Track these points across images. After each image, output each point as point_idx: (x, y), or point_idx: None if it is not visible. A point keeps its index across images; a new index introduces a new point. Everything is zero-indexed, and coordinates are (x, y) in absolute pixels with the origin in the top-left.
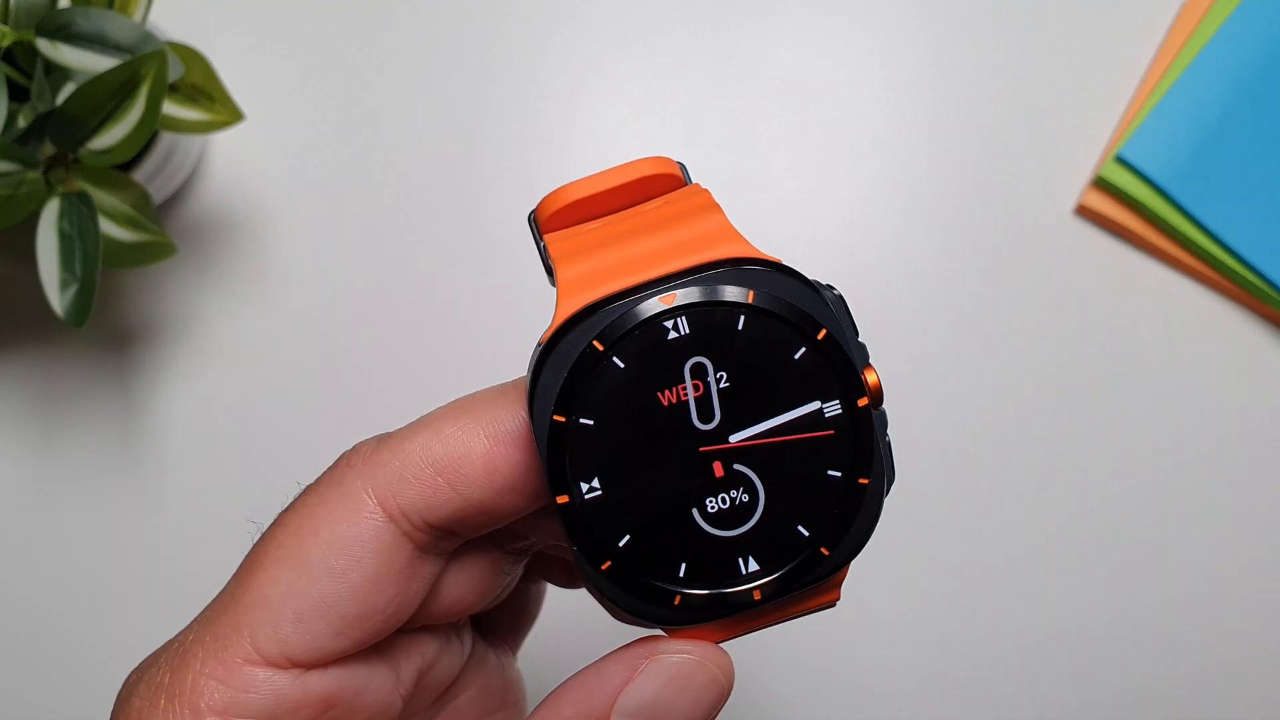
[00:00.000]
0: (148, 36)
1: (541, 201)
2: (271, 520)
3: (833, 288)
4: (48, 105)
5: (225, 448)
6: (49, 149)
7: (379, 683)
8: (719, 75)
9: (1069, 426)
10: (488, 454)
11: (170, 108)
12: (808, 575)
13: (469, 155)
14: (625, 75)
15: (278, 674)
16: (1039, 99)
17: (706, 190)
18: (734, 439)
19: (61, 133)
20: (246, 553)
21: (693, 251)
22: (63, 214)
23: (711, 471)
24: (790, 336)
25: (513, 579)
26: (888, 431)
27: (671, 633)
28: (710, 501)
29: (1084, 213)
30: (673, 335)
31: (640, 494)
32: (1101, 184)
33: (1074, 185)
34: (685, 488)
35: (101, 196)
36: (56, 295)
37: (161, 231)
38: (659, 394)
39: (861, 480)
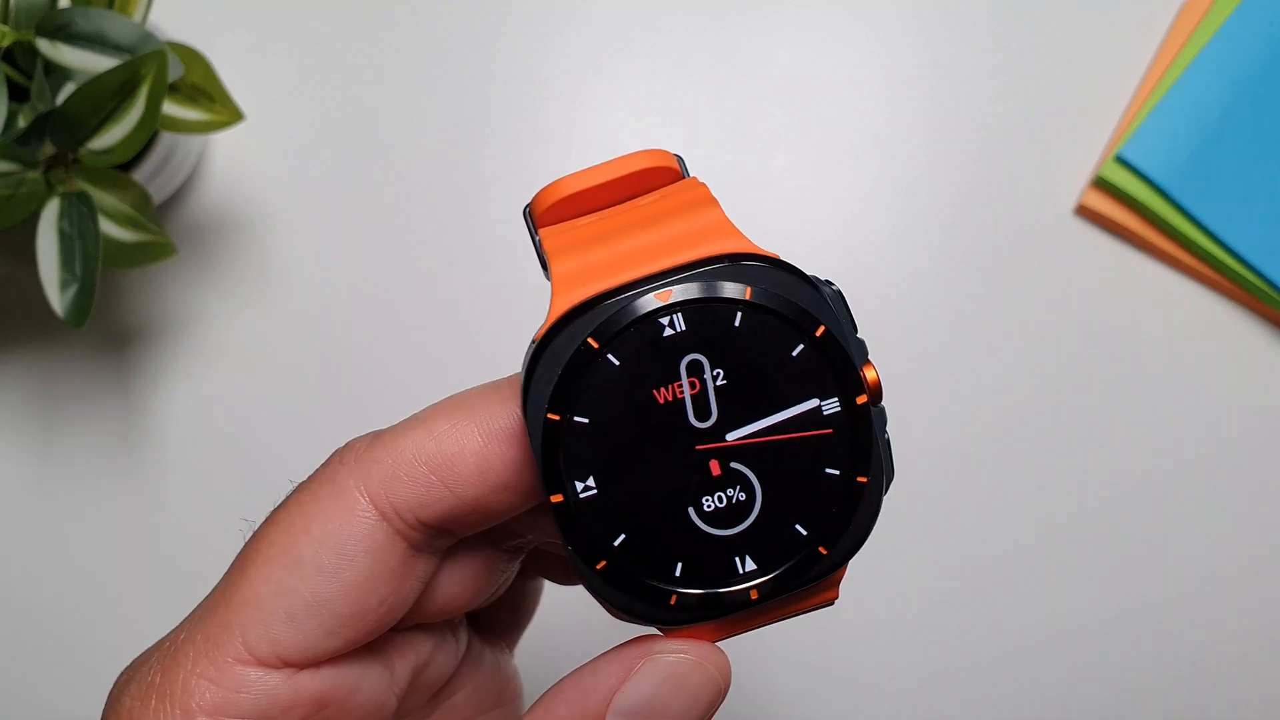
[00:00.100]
0: (148, 36)
1: (537, 195)
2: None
3: (831, 284)
4: (48, 105)
5: (225, 448)
6: (49, 149)
7: (372, 682)
8: (719, 75)
9: (1069, 426)
10: (481, 451)
11: (170, 108)
12: (805, 574)
13: (469, 155)
14: (625, 75)
15: (270, 673)
16: (1039, 99)
17: (704, 184)
18: (731, 437)
19: (61, 133)
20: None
21: (689, 246)
22: (63, 214)
23: (708, 470)
24: (788, 333)
25: (508, 577)
26: (887, 429)
27: (668, 632)
28: (707, 500)
29: (1084, 213)
30: (669, 332)
31: (636, 493)
32: (1101, 184)
33: (1074, 185)
34: (681, 486)
35: (101, 196)
36: (56, 295)
37: (161, 231)
38: (655, 391)
39: (860, 478)
